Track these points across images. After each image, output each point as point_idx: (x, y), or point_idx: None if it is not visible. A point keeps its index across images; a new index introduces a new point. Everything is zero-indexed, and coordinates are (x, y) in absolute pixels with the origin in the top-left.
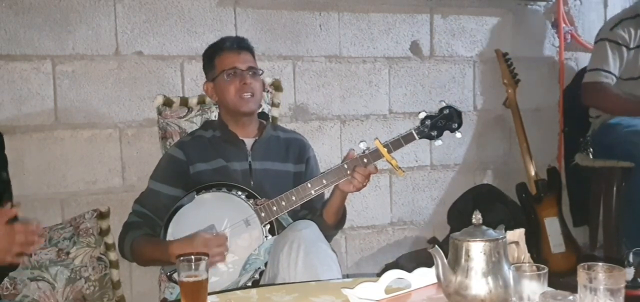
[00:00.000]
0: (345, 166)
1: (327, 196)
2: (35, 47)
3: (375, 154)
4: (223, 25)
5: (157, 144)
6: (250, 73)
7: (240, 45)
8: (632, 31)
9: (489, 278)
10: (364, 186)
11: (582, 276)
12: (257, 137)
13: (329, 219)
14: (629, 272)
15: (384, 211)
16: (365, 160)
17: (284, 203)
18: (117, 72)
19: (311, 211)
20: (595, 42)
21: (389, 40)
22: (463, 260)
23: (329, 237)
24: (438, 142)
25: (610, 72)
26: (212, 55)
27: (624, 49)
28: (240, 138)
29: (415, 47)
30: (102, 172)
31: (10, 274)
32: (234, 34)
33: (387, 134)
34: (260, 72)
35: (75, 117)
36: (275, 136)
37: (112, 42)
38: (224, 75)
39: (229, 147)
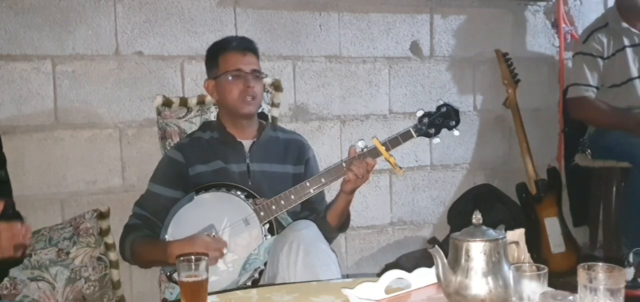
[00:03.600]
0: (344, 165)
1: (327, 196)
2: (35, 47)
3: (374, 153)
4: (223, 25)
5: (157, 144)
6: (254, 76)
7: (246, 46)
8: (604, 40)
9: (489, 278)
10: (363, 182)
11: (582, 276)
12: (255, 139)
13: (333, 221)
14: (629, 272)
15: (384, 211)
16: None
17: (283, 202)
18: (117, 72)
19: (312, 212)
20: (572, 57)
21: (389, 40)
22: (463, 260)
23: (330, 239)
24: (436, 140)
25: (590, 86)
26: (216, 54)
27: (599, 59)
28: (238, 140)
29: (415, 47)
30: (102, 172)
31: (11, 274)
32: (234, 34)
33: (387, 134)
34: (264, 75)
35: (75, 117)
36: (274, 137)
37: (112, 42)
38: (227, 76)
39: (227, 149)
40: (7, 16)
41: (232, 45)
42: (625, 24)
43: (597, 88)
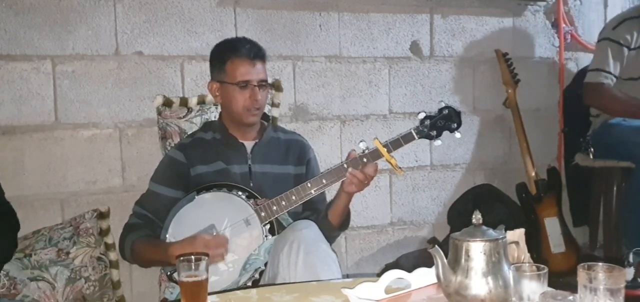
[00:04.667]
0: (345, 166)
1: (328, 196)
2: (35, 47)
3: (375, 154)
4: (223, 25)
5: (157, 144)
6: (260, 86)
7: (255, 54)
8: (635, 32)
9: (489, 278)
10: (366, 185)
11: (582, 276)
12: (257, 140)
13: (334, 220)
14: (629, 272)
15: (384, 211)
16: (364, 160)
17: (284, 203)
18: (117, 72)
19: (314, 212)
20: (598, 41)
21: (389, 40)
22: (463, 260)
23: (332, 238)
24: (437, 142)
25: (610, 73)
26: (224, 57)
27: (625, 49)
28: (240, 141)
29: (415, 47)
30: (102, 172)
31: (11, 273)
32: (234, 34)
33: (387, 134)
34: (270, 85)
35: (75, 117)
36: (275, 138)
37: (112, 42)
38: (234, 85)
39: (229, 150)
40: (7, 16)
41: (241, 52)
42: None
43: (616, 77)
